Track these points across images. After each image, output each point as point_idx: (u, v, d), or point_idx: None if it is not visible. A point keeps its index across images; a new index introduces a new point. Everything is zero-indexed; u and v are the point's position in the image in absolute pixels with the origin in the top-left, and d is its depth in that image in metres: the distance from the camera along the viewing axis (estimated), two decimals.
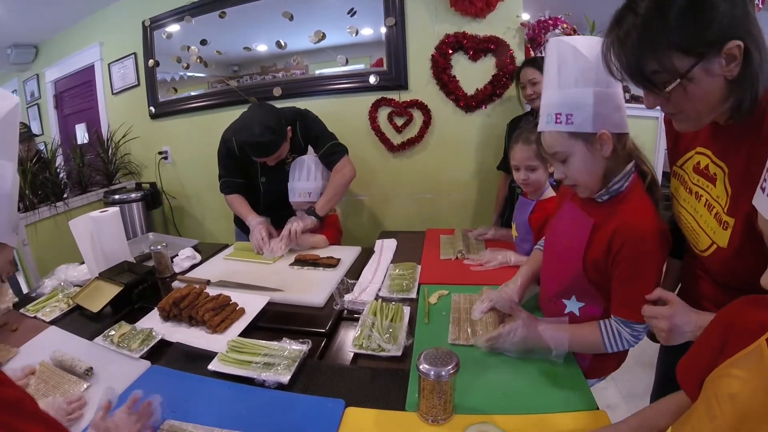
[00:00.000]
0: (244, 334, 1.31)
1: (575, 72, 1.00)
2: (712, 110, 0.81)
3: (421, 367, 0.90)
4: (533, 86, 2.18)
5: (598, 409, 0.95)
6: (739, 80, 0.76)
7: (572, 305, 1.17)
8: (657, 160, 2.69)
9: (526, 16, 2.61)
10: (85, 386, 1.09)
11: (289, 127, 2.05)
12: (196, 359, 1.19)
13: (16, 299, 1.63)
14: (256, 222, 2.06)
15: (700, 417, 0.66)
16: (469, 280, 1.60)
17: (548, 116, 1.05)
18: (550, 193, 1.69)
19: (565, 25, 2.54)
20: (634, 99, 2.80)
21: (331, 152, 2.13)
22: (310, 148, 2.24)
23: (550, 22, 2.54)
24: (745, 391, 0.59)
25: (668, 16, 0.74)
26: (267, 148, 1.95)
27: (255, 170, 2.18)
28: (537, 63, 2.21)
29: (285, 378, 1.07)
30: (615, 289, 1.06)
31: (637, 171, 1.07)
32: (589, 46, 1.00)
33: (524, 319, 1.15)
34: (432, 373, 0.89)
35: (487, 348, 1.16)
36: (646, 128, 2.65)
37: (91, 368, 1.14)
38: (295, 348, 1.17)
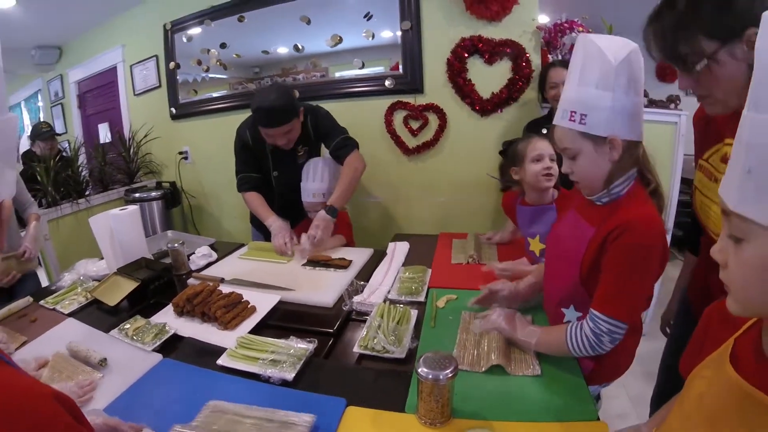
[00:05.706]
0: (254, 331, 1.34)
1: (597, 73, 1.00)
2: (738, 94, 0.87)
3: (419, 369, 0.91)
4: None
5: (598, 419, 0.94)
6: None
7: (570, 314, 1.16)
8: (675, 165, 2.62)
9: (542, 20, 2.60)
10: (99, 376, 1.13)
11: (301, 108, 2.07)
12: (206, 354, 1.22)
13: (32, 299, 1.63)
14: (278, 226, 2.05)
15: (674, 414, 0.68)
16: (478, 286, 1.59)
17: (563, 111, 1.05)
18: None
19: (581, 29, 2.51)
20: (653, 103, 2.76)
21: (342, 145, 2.15)
22: (323, 150, 2.26)
23: (566, 25, 2.52)
24: (710, 391, 0.60)
25: (698, 6, 0.86)
26: (281, 116, 1.95)
27: (267, 164, 2.21)
28: (568, 64, 2.19)
29: (290, 375, 1.09)
30: (600, 282, 1.04)
31: (639, 177, 1.07)
32: (615, 48, 0.99)
33: (503, 309, 1.24)
34: (430, 376, 0.89)
35: (481, 329, 1.22)
36: (664, 134, 2.60)
37: (105, 359, 1.18)
38: (301, 346, 1.20)
